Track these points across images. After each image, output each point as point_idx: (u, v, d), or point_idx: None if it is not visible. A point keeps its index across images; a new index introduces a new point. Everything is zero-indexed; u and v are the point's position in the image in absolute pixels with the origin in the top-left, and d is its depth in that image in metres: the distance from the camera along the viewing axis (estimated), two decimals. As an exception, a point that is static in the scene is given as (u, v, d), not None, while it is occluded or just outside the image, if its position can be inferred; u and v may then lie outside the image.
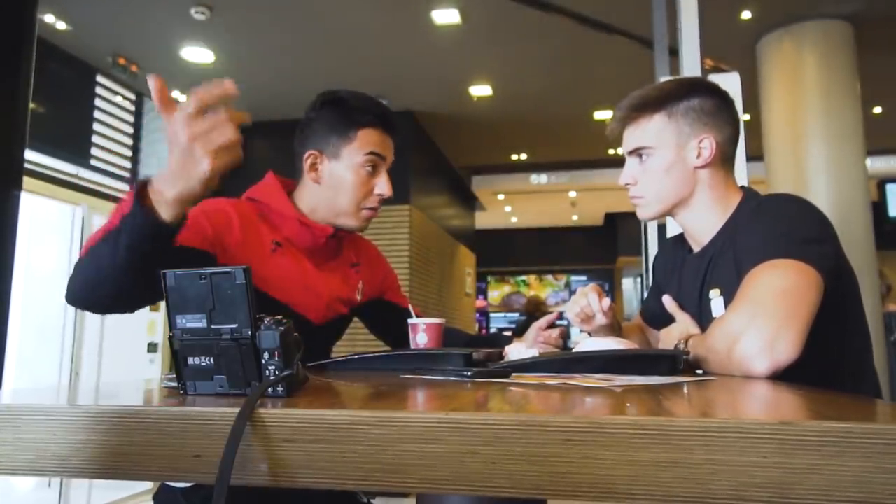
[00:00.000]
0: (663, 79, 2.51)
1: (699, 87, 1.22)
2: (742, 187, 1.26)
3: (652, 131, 1.20)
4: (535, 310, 5.83)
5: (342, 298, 1.36)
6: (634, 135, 1.22)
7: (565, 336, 1.44)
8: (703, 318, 1.17)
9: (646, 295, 1.62)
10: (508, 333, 2.01)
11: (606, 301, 1.30)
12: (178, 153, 0.81)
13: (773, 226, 1.06)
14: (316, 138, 1.31)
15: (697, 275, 1.22)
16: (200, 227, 1.11)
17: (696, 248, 1.27)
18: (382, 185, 1.32)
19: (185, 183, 0.82)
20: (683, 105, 1.19)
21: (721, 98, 1.22)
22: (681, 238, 1.34)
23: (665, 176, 1.20)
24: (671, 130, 1.19)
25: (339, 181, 1.30)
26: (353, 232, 1.36)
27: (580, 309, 1.30)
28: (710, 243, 1.22)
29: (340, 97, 1.32)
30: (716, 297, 1.17)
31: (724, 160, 1.22)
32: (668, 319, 1.30)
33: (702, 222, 1.23)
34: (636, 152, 1.23)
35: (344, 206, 1.31)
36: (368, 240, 1.56)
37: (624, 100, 1.24)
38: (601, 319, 1.30)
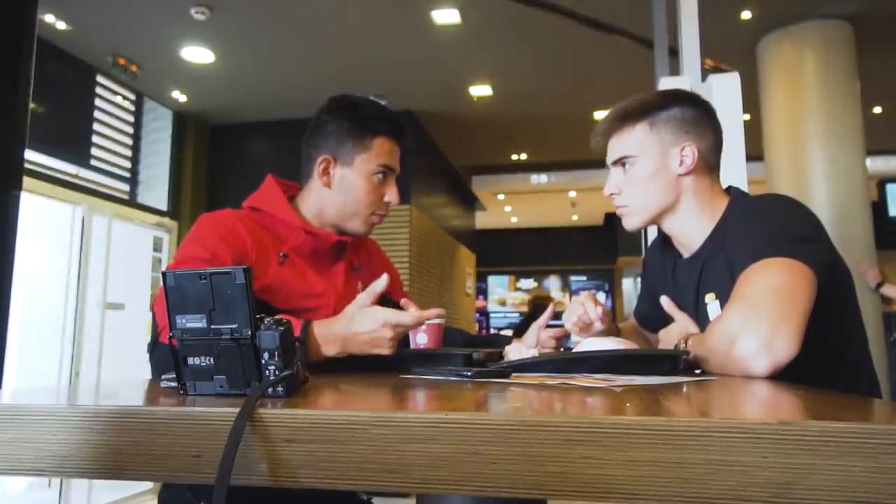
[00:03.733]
0: (663, 79, 2.52)
1: (680, 98, 1.23)
2: (728, 189, 1.26)
3: (634, 141, 1.22)
4: (535, 310, 5.81)
5: (346, 301, 1.35)
6: (618, 145, 1.24)
7: (565, 336, 1.43)
8: (701, 323, 1.17)
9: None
10: (509, 333, 2.01)
11: (601, 308, 1.29)
12: (368, 340, 1.05)
13: (764, 226, 1.06)
14: (330, 143, 1.32)
15: (691, 280, 1.23)
16: (228, 261, 1.15)
17: (686, 254, 1.27)
18: (392, 194, 1.34)
19: (349, 352, 1.06)
20: (665, 114, 1.21)
21: (702, 108, 1.23)
22: (668, 242, 1.34)
23: (649, 184, 1.21)
24: (653, 139, 1.20)
25: (350, 187, 1.32)
26: (358, 236, 1.38)
27: (577, 318, 1.30)
28: (701, 248, 1.22)
29: (354, 103, 1.34)
30: (712, 302, 1.17)
31: (707, 167, 1.22)
32: (660, 322, 1.30)
33: (690, 229, 1.23)
34: (619, 162, 1.24)
35: (354, 211, 1.33)
36: (372, 239, 1.57)
37: (607, 114, 1.26)
38: (599, 326, 1.30)
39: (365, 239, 1.53)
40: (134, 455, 0.53)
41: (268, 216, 1.29)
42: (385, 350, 1.06)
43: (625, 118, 1.23)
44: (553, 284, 12.49)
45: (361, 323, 1.05)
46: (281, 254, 1.25)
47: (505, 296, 12.53)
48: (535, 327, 1.41)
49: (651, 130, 1.21)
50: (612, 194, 1.26)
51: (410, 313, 1.07)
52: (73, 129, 4.66)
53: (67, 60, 4.50)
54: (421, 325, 1.10)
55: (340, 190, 1.32)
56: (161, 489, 1.16)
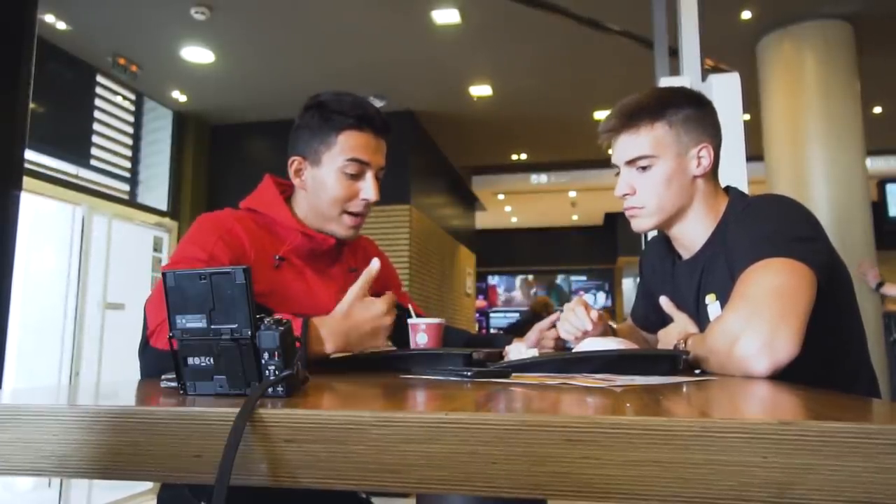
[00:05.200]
0: (663, 79, 2.51)
1: (691, 96, 1.21)
2: (727, 189, 1.25)
3: (653, 140, 1.17)
4: (541, 310, 5.80)
5: None
6: (634, 144, 1.19)
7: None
8: (701, 324, 1.17)
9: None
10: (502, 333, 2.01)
11: (595, 313, 1.28)
12: (369, 330, 1.05)
13: (764, 226, 1.06)
14: (299, 144, 1.29)
15: (691, 282, 1.22)
16: (226, 262, 1.13)
17: (687, 255, 1.26)
18: (368, 190, 1.27)
19: (356, 347, 1.05)
20: (682, 113, 1.17)
21: (709, 106, 1.22)
22: (666, 243, 1.32)
23: (667, 186, 1.18)
24: (671, 139, 1.17)
25: (321, 187, 1.27)
26: (340, 239, 1.32)
27: (570, 326, 1.28)
28: (702, 249, 1.21)
29: (322, 101, 1.28)
30: (712, 303, 1.17)
31: (714, 168, 1.21)
32: (658, 322, 1.29)
33: (695, 231, 1.22)
34: (633, 162, 1.19)
35: (327, 211, 1.28)
36: (369, 239, 1.55)
37: (615, 108, 1.21)
38: (593, 333, 1.28)
39: (362, 240, 1.50)
40: (134, 455, 0.53)
41: (266, 218, 1.27)
42: (381, 339, 1.05)
43: (640, 115, 1.18)
44: (560, 283, 12.48)
45: (361, 313, 1.05)
46: (277, 257, 1.23)
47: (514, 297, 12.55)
48: (537, 329, 1.40)
49: (670, 130, 1.17)
50: (625, 195, 1.22)
51: (388, 294, 1.11)
52: (73, 129, 4.66)
53: (67, 60, 4.50)
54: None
55: (314, 191, 1.28)
56: (160, 489, 1.16)
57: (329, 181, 1.26)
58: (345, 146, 1.26)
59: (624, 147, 1.21)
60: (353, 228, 1.31)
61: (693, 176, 1.19)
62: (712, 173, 1.21)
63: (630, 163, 1.20)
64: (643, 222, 1.22)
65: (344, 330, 1.04)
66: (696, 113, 1.19)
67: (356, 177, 1.27)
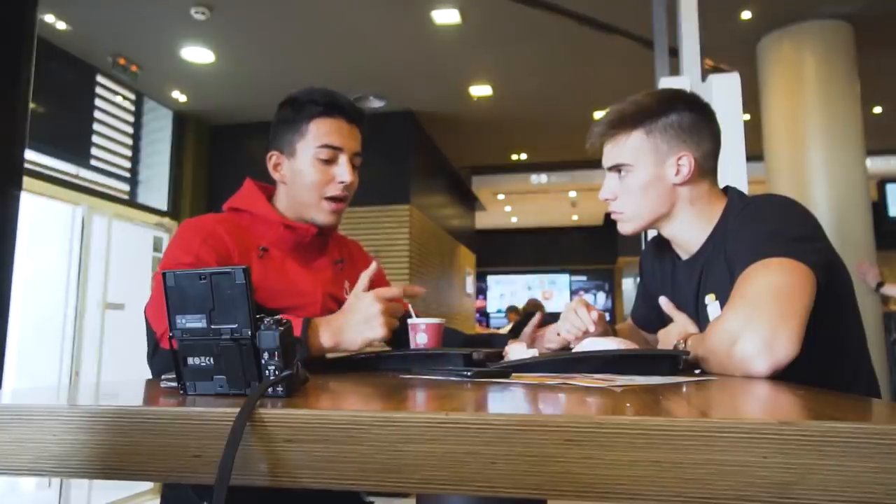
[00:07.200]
0: (663, 79, 2.51)
1: (678, 102, 1.20)
2: (726, 189, 1.25)
3: (629, 148, 1.20)
4: (534, 311, 5.81)
5: (333, 295, 1.35)
6: (613, 151, 1.22)
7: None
8: (701, 324, 1.17)
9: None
10: (504, 331, 2.02)
11: (595, 312, 1.28)
12: (361, 319, 1.06)
13: (763, 226, 1.06)
14: (275, 139, 1.34)
15: (691, 282, 1.22)
16: (212, 263, 1.15)
17: (685, 256, 1.26)
18: (342, 173, 1.30)
19: (351, 340, 1.07)
20: (662, 122, 1.18)
21: (700, 111, 1.21)
22: (665, 244, 1.33)
23: (644, 193, 1.20)
24: (648, 148, 1.18)
25: (298, 176, 1.31)
26: (329, 227, 1.35)
27: (571, 325, 1.29)
28: (700, 250, 1.21)
29: (293, 96, 1.34)
30: (712, 303, 1.17)
31: (703, 174, 1.21)
32: (658, 323, 1.30)
33: (688, 233, 1.22)
34: (615, 168, 1.23)
35: (306, 199, 1.31)
36: (353, 239, 1.59)
37: (604, 115, 1.24)
38: (593, 332, 1.28)
39: (346, 239, 1.54)
40: (134, 455, 0.53)
41: (247, 216, 1.30)
42: (378, 329, 1.05)
43: (620, 124, 1.21)
44: (559, 282, 12.47)
45: (353, 307, 1.08)
46: (260, 247, 1.26)
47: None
48: (531, 326, 1.42)
49: (647, 138, 1.18)
50: (607, 199, 1.26)
51: (395, 286, 1.13)
52: (73, 129, 4.65)
53: (67, 60, 4.50)
54: (406, 295, 1.13)
55: (293, 182, 1.32)
56: (163, 488, 1.16)
57: (304, 169, 1.30)
58: (316, 133, 1.30)
59: (606, 153, 1.25)
60: (334, 214, 1.33)
61: (672, 184, 1.19)
62: (701, 179, 1.20)
63: (611, 169, 1.24)
64: (625, 226, 1.27)
65: (339, 325, 1.07)
66: (680, 120, 1.18)
67: (330, 162, 1.31)
